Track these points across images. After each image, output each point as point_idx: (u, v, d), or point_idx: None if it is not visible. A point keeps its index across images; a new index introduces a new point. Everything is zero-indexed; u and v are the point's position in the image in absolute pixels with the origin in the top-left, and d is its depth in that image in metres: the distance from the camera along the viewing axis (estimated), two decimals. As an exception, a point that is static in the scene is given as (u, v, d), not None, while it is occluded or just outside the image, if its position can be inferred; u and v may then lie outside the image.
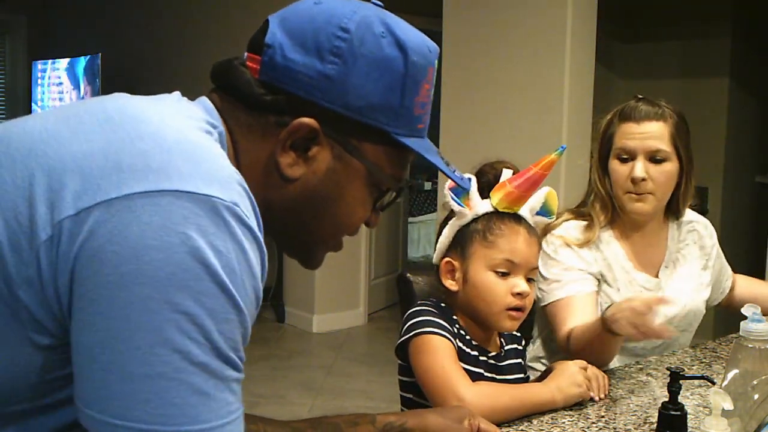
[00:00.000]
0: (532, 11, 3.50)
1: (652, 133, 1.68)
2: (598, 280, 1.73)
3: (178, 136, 0.74)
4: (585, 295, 1.68)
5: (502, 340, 1.46)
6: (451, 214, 1.40)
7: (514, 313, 1.35)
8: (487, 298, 1.34)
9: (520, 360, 1.47)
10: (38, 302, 0.70)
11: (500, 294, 1.34)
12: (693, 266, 1.85)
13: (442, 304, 1.39)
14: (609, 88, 4.78)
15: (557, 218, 1.71)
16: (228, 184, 0.72)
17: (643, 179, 1.67)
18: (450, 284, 1.38)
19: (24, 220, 0.70)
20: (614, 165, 1.71)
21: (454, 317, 1.38)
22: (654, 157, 1.68)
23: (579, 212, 1.79)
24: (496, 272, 1.34)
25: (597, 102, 3.61)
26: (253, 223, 0.73)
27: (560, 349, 1.66)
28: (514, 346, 1.48)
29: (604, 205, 1.75)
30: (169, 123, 0.76)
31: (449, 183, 1.33)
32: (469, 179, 1.32)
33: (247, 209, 0.73)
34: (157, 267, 0.66)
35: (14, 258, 0.69)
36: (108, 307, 0.67)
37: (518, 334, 1.50)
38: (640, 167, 1.68)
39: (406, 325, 1.35)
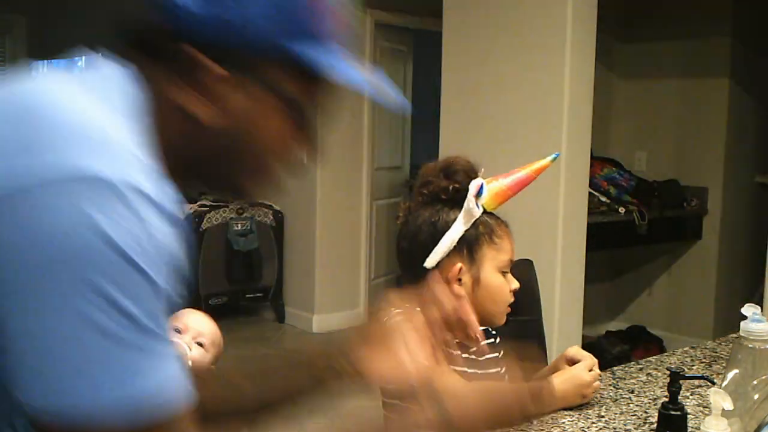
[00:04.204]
0: (532, 11, 3.50)
1: None
2: None
3: (82, 117, 0.74)
4: None
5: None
6: (420, 220, 1.38)
7: (509, 309, 1.40)
8: (497, 299, 1.38)
9: (496, 354, 1.47)
10: None
11: (506, 293, 1.38)
12: None
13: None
14: (609, 88, 4.77)
15: None
16: (130, 163, 0.72)
17: None
18: (458, 290, 1.34)
19: None
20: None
21: None
22: None
23: None
24: (502, 273, 1.38)
25: (597, 102, 3.61)
26: (160, 198, 0.74)
27: None
28: (490, 341, 1.47)
29: None
30: (74, 104, 0.75)
31: (474, 188, 1.32)
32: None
33: (152, 184, 0.73)
34: (62, 249, 0.66)
35: None
36: (22, 297, 0.67)
37: (493, 331, 1.49)
38: None
39: None
